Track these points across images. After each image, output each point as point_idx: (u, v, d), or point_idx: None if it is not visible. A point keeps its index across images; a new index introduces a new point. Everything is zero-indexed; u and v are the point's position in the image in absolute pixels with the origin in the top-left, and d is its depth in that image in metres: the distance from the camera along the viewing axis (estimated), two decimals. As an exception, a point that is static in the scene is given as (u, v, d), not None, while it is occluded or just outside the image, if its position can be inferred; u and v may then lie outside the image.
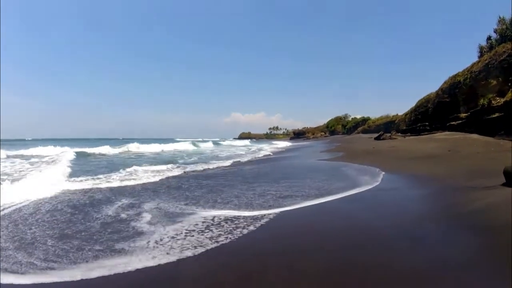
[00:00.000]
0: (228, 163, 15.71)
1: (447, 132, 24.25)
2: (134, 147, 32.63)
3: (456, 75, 26.85)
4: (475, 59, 26.02)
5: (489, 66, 21.76)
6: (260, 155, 22.79)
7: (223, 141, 78.63)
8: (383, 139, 32.74)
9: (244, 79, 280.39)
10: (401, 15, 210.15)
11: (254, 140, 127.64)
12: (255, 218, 5.25)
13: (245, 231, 4.63)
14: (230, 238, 4.39)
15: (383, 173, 9.90)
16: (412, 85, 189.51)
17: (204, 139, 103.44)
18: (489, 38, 26.55)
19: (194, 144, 42.30)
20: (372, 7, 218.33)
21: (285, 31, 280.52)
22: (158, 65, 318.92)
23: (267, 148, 35.19)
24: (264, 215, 5.44)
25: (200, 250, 3.98)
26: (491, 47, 24.93)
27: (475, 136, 19.08)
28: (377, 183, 8.26)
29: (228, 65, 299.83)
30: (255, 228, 4.76)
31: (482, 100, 21.18)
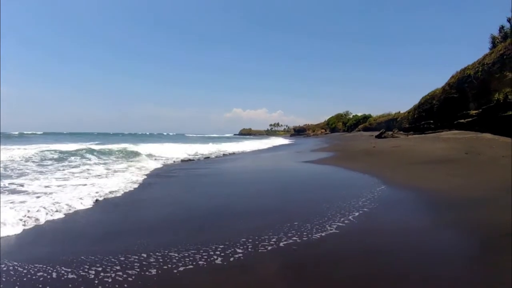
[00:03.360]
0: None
1: (455, 131, 22.00)
2: (222, 147, 24.80)
3: (465, 68, 24.51)
4: (486, 51, 23.67)
5: (504, 57, 19.44)
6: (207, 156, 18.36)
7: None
8: (385, 137, 30.57)
9: (246, 77, 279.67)
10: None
11: (253, 136, 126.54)
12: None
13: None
14: None
15: (383, 186, 6.75)
16: (415, 79, 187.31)
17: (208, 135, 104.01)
18: (502, 28, 24.29)
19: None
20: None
21: (286, 33, 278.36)
22: (163, 61, 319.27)
23: (246, 147, 28.53)
24: None
25: None
26: (505, 37, 22.62)
27: (488, 135, 16.85)
28: (365, 212, 4.82)
29: (233, 64, 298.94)
30: None
31: (496, 95, 18.91)
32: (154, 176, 8.76)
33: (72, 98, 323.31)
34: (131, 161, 12.00)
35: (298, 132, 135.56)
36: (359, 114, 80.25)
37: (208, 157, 17.28)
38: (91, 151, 14.80)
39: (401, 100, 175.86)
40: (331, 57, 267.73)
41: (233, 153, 21.06)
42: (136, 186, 7.25)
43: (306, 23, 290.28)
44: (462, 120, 22.82)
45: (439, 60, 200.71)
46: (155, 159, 13.96)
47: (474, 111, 21.83)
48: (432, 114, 29.32)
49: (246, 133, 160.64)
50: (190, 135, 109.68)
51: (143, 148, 19.65)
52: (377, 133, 35.60)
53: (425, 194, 6.16)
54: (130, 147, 19.61)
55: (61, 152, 14.06)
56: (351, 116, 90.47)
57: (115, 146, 19.10)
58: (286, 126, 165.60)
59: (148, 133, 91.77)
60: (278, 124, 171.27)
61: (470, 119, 21.90)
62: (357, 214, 4.69)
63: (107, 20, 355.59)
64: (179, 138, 59.03)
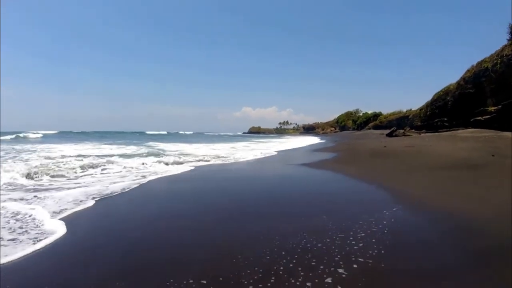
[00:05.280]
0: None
1: (472, 129, 20.58)
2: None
3: (482, 61, 23.00)
4: (503, 42, 22.06)
5: (527, 48, 18.01)
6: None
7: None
8: (396, 135, 29.20)
9: (256, 76, 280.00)
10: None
11: (262, 134, 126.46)
12: None
13: None
14: None
15: (395, 208, 4.62)
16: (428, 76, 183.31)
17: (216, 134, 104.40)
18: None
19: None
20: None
21: (296, 33, 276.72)
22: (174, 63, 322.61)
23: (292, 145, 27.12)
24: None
25: None
26: (526, 27, 21.06)
27: (510, 134, 15.46)
28: (368, 266, 2.70)
29: (243, 63, 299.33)
30: None
31: (517, 89, 17.49)
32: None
33: (77, 99, 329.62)
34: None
35: (307, 130, 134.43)
36: (369, 112, 78.42)
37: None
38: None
39: (413, 97, 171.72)
40: (341, 55, 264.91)
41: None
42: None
43: (317, 23, 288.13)
44: (479, 118, 21.37)
45: (452, 58, 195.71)
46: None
47: (493, 108, 20.37)
48: (446, 111, 27.84)
49: (255, 132, 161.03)
50: (210, 133, 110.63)
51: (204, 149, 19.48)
52: (387, 131, 34.16)
53: (461, 223, 3.88)
54: (186, 147, 20.27)
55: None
56: (361, 114, 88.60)
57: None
58: (296, 124, 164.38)
59: (166, 132, 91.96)
60: (287, 123, 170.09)
61: (488, 116, 20.45)
62: (351, 268, 2.63)
63: (118, 24, 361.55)
64: (203, 137, 58.39)
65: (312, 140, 41.75)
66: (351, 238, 3.37)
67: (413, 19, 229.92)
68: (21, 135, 40.20)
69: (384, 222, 3.96)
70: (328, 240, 3.32)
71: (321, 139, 43.84)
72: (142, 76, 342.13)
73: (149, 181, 7.39)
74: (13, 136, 36.53)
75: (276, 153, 17.47)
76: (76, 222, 4.17)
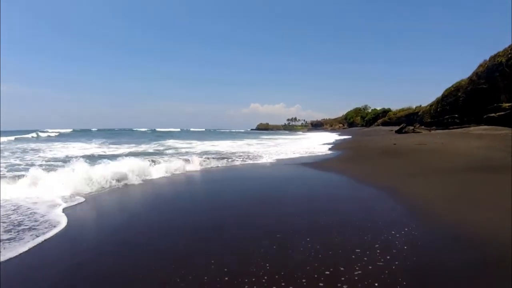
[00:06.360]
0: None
1: (484, 126, 20.04)
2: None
3: (496, 55, 22.29)
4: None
5: (543, 42, 17.34)
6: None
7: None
8: (406, 132, 28.69)
9: (264, 72, 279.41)
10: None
11: (270, 131, 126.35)
12: None
13: None
14: None
15: (407, 228, 3.65)
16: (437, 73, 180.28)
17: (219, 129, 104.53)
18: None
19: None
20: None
21: (304, 28, 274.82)
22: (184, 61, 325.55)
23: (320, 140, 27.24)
24: None
25: None
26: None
27: (526, 131, 14.95)
28: None
29: (251, 59, 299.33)
30: None
31: (533, 85, 16.90)
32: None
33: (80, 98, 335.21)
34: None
35: (316, 126, 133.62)
36: (378, 108, 77.39)
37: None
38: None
39: (423, 92, 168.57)
40: (350, 51, 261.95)
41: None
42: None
43: (327, 17, 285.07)
44: (492, 114, 20.78)
45: (464, 55, 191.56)
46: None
47: (507, 104, 19.77)
48: (457, 107, 27.19)
49: (263, 128, 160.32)
50: (224, 130, 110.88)
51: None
52: (397, 128, 33.62)
53: (498, 250, 2.96)
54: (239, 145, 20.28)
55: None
56: (369, 110, 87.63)
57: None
58: (304, 120, 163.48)
59: (180, 130, 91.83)
60: (295, 119, 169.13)
61: (502, 113, 19.86)
62: None
63: (126, 25, 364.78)
64: (223, 134, 57.97)
65: (330, 136, 41.15)
66: (348, 271, 2.61)
67: (423, 14, 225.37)
68: (41, 134, 40.89)
69: (397, 249, 3.01)
70: (317, 274, 2.60)
71: (340, 135, 43.61)
72: (151, 73, 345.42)
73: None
74: (34, 135, 37.78)
75: (330, 152, 15.23)
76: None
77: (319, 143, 22.99)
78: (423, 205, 4.59)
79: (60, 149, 16.83)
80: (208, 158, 11.00)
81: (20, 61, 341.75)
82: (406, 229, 3.59)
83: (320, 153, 14.57)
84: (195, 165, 9.79)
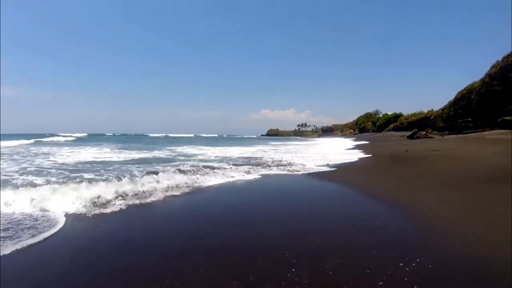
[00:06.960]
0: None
1: (500, 130, 19.59)
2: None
3: (509, 55, 21.90)
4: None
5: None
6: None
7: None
8: (418, 137, 28.23)
9: (275, 78, 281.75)
10: None
11: (280, 136, 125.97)
12: None
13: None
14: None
15: (423, 260, 2.83)
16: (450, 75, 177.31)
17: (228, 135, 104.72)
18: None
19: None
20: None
21: (315, 33, 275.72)
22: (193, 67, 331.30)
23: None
24: None
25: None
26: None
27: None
28: None
29: (262, 66, 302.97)
30: None
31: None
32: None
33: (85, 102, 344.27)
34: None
35: (326, 132, 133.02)
36: (389, 113, 76.41)
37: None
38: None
39: (435, 97, 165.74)
40: (361, 56, 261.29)
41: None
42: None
43: (335, 22, 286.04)
44: (508, 117, 20.31)
45: (476, 58, 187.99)
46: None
47: (522, 107, 19.32)
48: (470, 111, 26.68)
49: (273, 134, 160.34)
50: (236, 135, 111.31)
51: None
52: (409, 133, 33.12)
53: None
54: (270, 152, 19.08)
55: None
56: (380, 115, 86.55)
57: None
58: (314, 126, 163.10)
59: (193, 135, 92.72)
60: (305, 125, 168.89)
61: (517, 116, 19.41)
62: None
63: (146, 31, 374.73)
64: (239, 140, 56.54)
65: (346, 142, 39.41)
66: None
67: (434, 18, 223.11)
68: (55, 139, 42.28)
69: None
70: None
71: (355, 140, 42.44)
72: (166, 80, 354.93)
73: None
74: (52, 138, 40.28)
75: (357, 159, 13.82)
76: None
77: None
78: (440, 227, 3.84)
79: (68, 154, 16.45)
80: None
81: (46, 68, 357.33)
82: (426, 264, 2.79)
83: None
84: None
